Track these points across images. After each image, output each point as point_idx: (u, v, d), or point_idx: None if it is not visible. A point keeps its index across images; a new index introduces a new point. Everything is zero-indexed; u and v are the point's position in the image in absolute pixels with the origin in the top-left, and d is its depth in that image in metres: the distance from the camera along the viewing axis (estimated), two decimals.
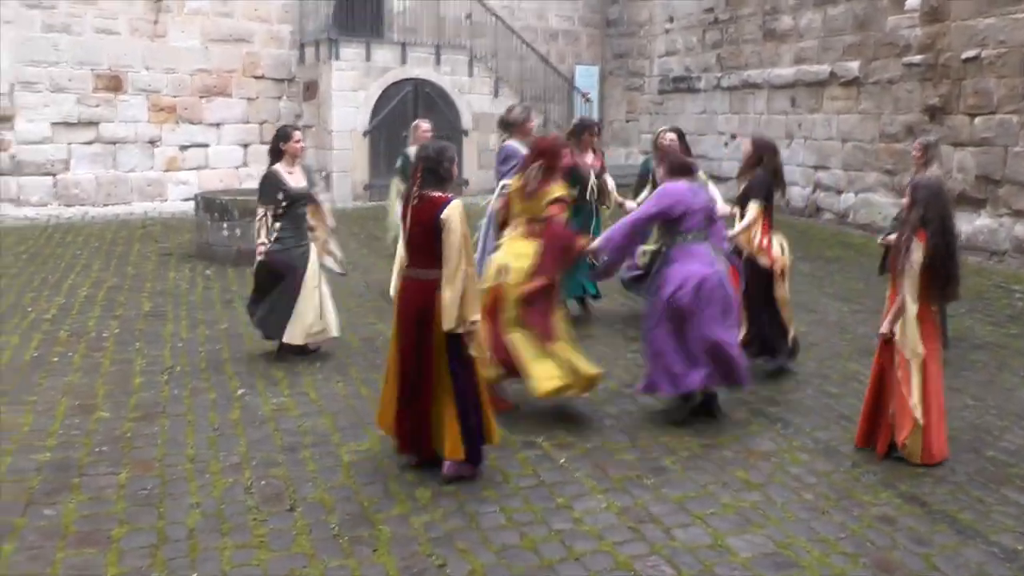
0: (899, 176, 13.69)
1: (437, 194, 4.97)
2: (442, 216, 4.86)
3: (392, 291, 5.52)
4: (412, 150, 9.17)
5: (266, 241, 7.06)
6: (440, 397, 5.09)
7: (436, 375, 5.05)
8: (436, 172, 5.00)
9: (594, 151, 8.99)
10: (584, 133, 8.87)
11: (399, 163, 9.58)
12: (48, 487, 5.05)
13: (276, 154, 7.22)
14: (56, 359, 7.36)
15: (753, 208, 7.09)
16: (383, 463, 5.46)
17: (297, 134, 7.29)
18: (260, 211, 7.13)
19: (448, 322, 4.89)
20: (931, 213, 5.33)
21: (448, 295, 4.87)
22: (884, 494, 5.21)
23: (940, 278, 5.40)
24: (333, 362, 7.44)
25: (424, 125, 9.48)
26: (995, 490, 5.29)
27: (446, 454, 5.15)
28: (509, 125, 8.06)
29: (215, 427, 5.98)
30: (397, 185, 9.41)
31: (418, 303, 5.02)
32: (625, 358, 7.76)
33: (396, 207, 9.09)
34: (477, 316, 4.96)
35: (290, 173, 7.16)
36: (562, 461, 5.56)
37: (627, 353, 7.89)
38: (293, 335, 7.24)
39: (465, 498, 5.04)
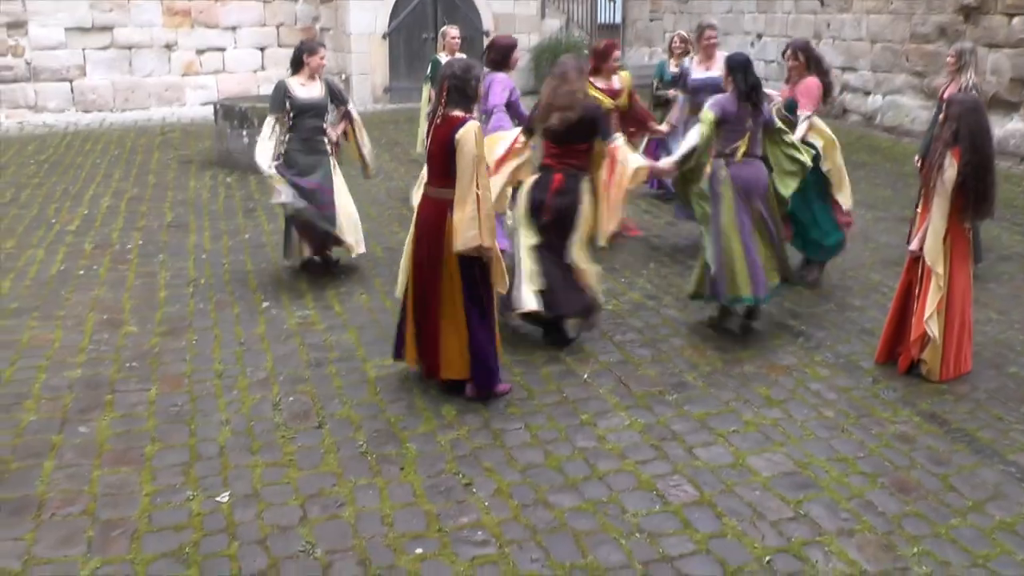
0: (928, 78, 13.39)
1: (459, 113, 4.91)
2: (456, 136, 4.80)
3: (414, 202, 5.48)
4: (442, 56, 9.01)
5: (271, 163, 6.84)
6: (450, 318, 5.09)
7: (445, 295, 5.05)
8: (463, 91, 4.93)
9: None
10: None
11: (429, 70, 9.37)
12: (81, 404, 5.16)
13: (297, 65, 7.12)
14: (82, 272, 7.43)
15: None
16: (408, 379, 5.53)
17: (322, 50, 7.17)
18: (267, 119, 6.98)
19: (458, 243, 4.86)
20: (965, 130, 5.24)
21: (458, 216, 4.83)
22: (903, 412, 5.25)
23: (973, 196, 5.34)
24: (357, 274, 7.47)
25: (452, 32, 9.23)
26: (1015, 408, 5.32)
27: (452, 373, 5.19)
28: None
29: (241, 341, 6.06)
30: (428, 92, 9.22)
31: (432, 222, 5.00)
32: (648, 268, 7.75)
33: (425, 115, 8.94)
34: (489, 242, 4.90)
35: (303, 85, 7.06)
36: (585, 376, 5.63)
37: (650, 263, 7.88)
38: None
39: (490, 415, 5.12)
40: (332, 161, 7.19)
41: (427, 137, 5.11)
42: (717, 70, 7.64)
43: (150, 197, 9.95)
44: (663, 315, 6.66)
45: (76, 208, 9.43)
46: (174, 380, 5.48)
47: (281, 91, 6.97)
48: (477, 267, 5.01)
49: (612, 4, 19.89)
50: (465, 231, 4.82)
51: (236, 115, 11.32)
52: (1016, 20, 11.99)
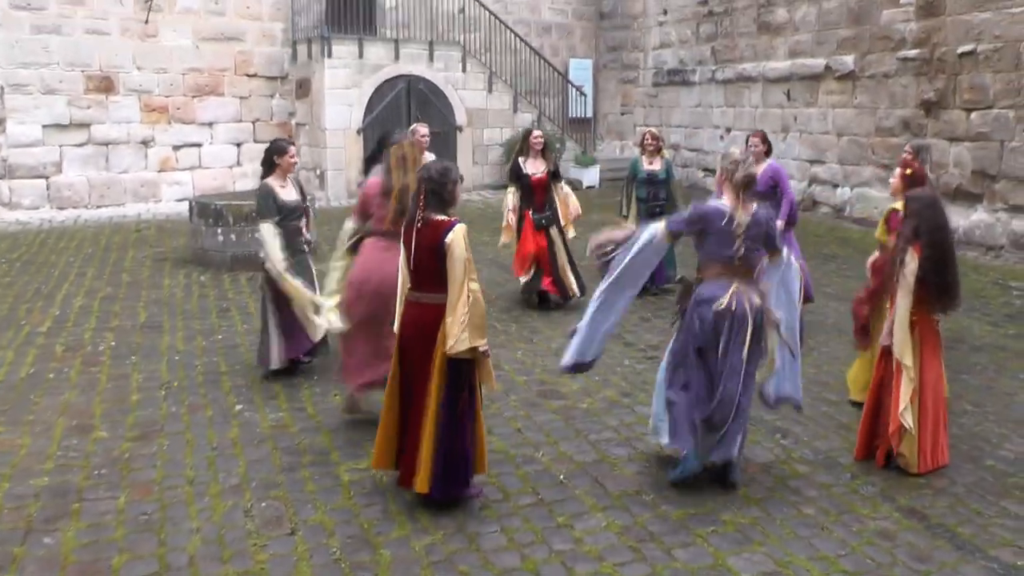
0: (895, 171, 13.70)
1: (441, 217, 4.91)
2: (446, 241, 4.80)
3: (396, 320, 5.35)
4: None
5: (285, 259, 6.90)
6: (426, 426, 4.98)
7: (429, 401, 4.96)
8: (440, 195, 4.93)
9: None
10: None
11: None
12: (47, 513, 5.05)
13: (269, 166, 7.19)
14: (52, 376, 7.36)
15: None
16: (382, 482, 5.46)
17: (292, 149, 7.26)
18: (267, 226, 6.96)
19: (452, 347, 4.80)
20: (925, 226, 5.40)
21: (450, 320, 4.81)
22: (884, 508, 5.23)
23: (936, 290, 5.47)
24: (330, 374, 7.42)
25: (422, 130, 9.28)
26: (994, 502, 5.32)
27: (416, 487, 5.03)
28: None
29: (214, 446, 5.98)
30: None
31: (420, 326, 4.96)
32: (622, 365, 7.77)
33: None
34: (481, 342, 4.87)
35: (282, 187, 7.14)
36: (561, 477, 5.58)
37: (624, 360, 7.90)
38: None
39: (465, 518, 5.05)
40: (310, 260, 7.26)
41: (404, 243, 5.03)
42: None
43: (123, 296, 9.92)
44: (638, 413, 6.65)
45: (48, 308, 9.38)
46: (144, 487, 5.39)
47: (270, 196, 7.02)
48: (465, 369, 4.93)
49: (583, 98, 20.32)
50: (459, 334, 4.77)
51: (211, 212, 11.38)
52: (974, 115, 12.36)
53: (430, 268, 4.88)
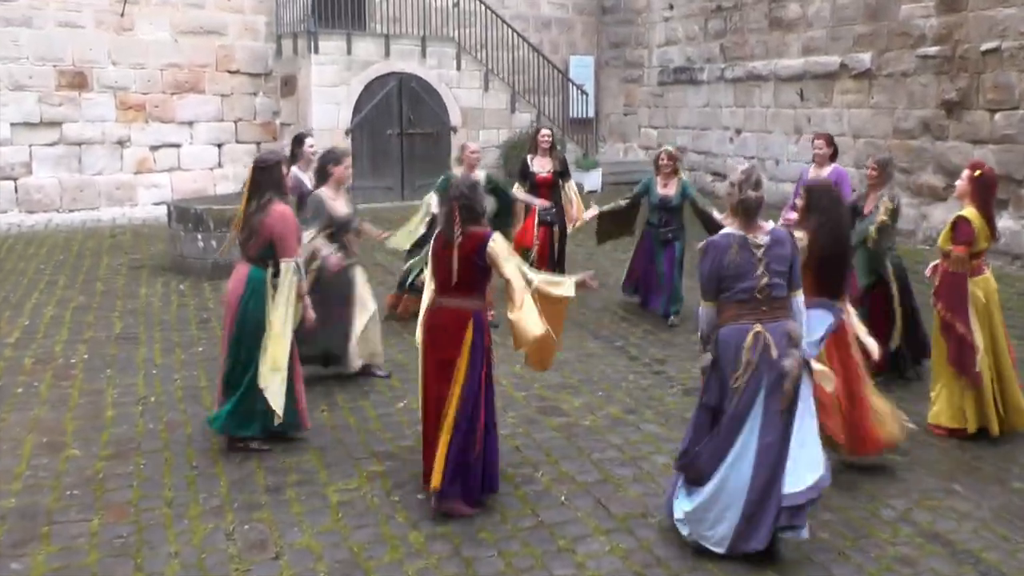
0: (915, 175, 13.74)
1: (478, 229, 5.33)
2: (488, 250, 5.27)
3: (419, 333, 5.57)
4: (458, 172, 8.80)
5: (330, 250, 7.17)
6: (446, 424, 5.29)
7: (450, 402, 5.29)
8: (472, 209, 5.36)
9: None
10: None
11: (440, 182, 9.20)
12: (14, 537, 5.04)
13: (322, 176, 7.37)
14: (21, 390, 7.34)
15: None
16: (373, 503, 5.47)
17: (348, 160, 7.47)
18: (311, 234, 7.04)
19: (526, 338, 5.25)
20: (817, 214, 5.69)
21: (516, 315, 5.26)
22: (904, 532, 5.24)
23: (827, 276, 5.69)
24: (318, 388, 7.42)
25: (472, 146, 9.17)
26: (1021, 527, 5.32)
27: (432, 482, 5.29)
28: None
29: (193, 465, 5.98)
30: (429, 202, 9.00)
31: (450, 329, 5.33)
32: (627, 380, 7.78)
33: (420, 228, 8.96)
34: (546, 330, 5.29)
35: (334, 199, 7.31)
36: (562, 498, 5.58)
37: (629, 375, 7.91)
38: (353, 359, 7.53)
39: (461, 541, 5.05)
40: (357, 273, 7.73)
41: (434, 254, 5.46)
42: None
43: (97, 306, 9.91)
44: (644, 431, 6.66)
45: (16, 319, 9.37)
46: (119, 509, 5.38)
47: (322, 205, 7.20)
48: (485, 370, 5.35)
49: (584, 97, 20.36)
50: (533, 328, 5.21)
51: (191, 217, 11.38)
52: (999, 116, 12.40)
53: (465, 277, 5.33)
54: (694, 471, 4.91)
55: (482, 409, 5.32)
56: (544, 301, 5.38)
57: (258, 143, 17.03)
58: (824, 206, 5.72)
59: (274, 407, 5.91)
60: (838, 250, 5.74)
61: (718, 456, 4.82)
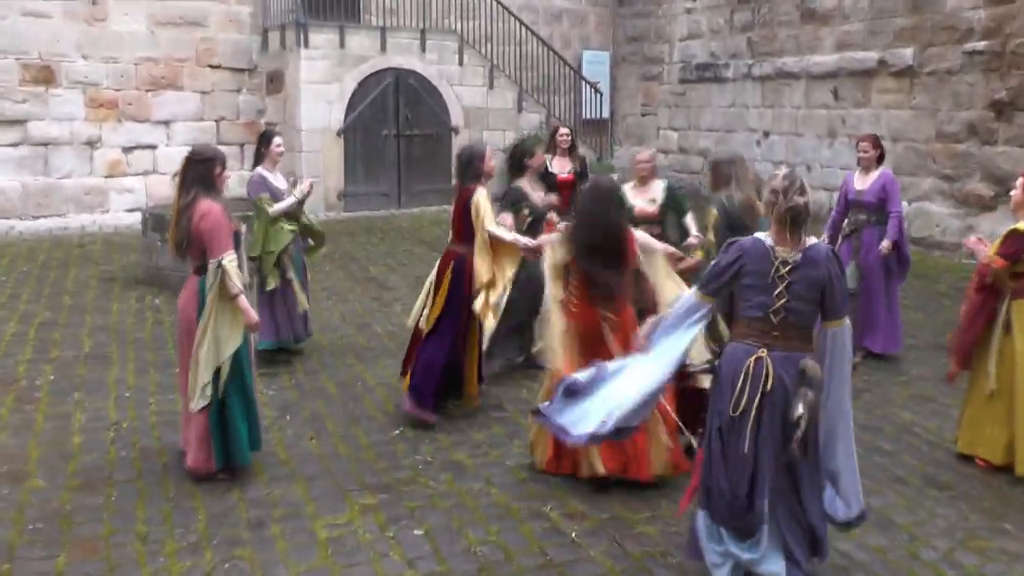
0: (960, 182, 13.76)
1: (471, 186, 7.11)
2: (471, 201, 7.03)
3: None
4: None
5: None
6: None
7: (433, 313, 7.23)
8: (467, 169, 7.20)
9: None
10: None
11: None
12: None
13: (519, 169, 8.63)
14: None
15: None
16: (366, 539, 5.49)
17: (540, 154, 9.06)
18: (506, 220, 8.10)
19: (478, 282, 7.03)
20: (579, 211, 6.39)
21: (477, 260, 7.02)
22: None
23: (587, 278, 6.22)
24: (305, 413, 7.46)
25: (643, 155, 8.43)
26: None
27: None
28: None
29: (170, 497, 6.00)
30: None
31: (442, 265, 7.29)
32: None
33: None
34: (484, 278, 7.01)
35: (534, 191, 8.67)
36: (573, 535, 5.60)
37: None
38: None
39: None
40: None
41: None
42: None
43: (65, 323, 9.97)
44: None
45: None
46: (88, 545, 5.40)
47: (527, 198, 8.53)
48: (465, 293, 7.14)
49: (598, 97, 20.43)
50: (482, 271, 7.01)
51: (167, 226, 11.36)
52: None
53: (458, 224, 7.23)
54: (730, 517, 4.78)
55: (454, 327, 7.14)
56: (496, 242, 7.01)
57: (242, 144, 17.12)
58: (585, 201, 6.39)
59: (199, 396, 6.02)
60: (594, 248, 6.18)
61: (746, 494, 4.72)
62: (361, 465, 6.55)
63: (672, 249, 6.72)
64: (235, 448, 6.20)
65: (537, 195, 8.55)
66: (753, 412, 4.61)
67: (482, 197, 7.03)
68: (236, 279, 5.97)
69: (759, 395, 4.61)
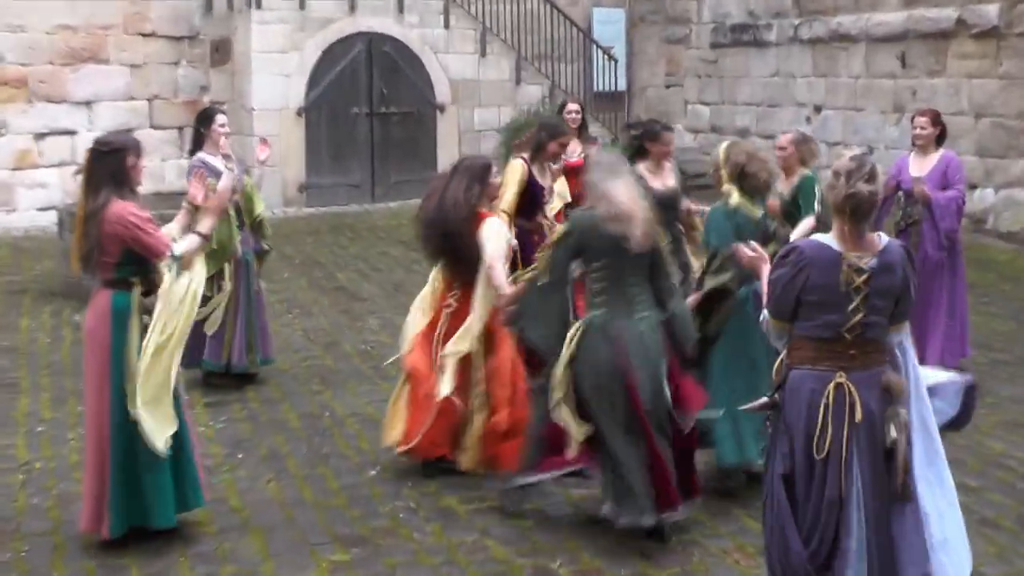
0: None
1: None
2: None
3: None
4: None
5: None
6: None
7: None
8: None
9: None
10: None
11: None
12: None
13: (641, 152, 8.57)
14: None
15: None
16: None
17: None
18: None
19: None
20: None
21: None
22: None
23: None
24: (262, 450, 7.44)
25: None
26: None
27: None
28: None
29: (93, 553, 5.95)
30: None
31: None
32: None
33: None
34: None
35: (654, 175, 8.50)
36: None
37: None
38: None
39: None
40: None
41: None
42: None
43: None
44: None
45: None
46: None
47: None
48: None
49: (612, 65, 20.39)
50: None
51: None
52: None
53: None
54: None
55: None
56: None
57: (180, 128, 17.06)
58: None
59: (156, 442, 5.79)
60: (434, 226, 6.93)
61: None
62: (330, 513, 6.52)
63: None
64: (149, 508, 5.95)
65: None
66: (839, 451, 4.52)
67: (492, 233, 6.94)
68: (196, 246, 6.01)
69: (846, 429, 4.51)
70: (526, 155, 8.55)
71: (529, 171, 8.46)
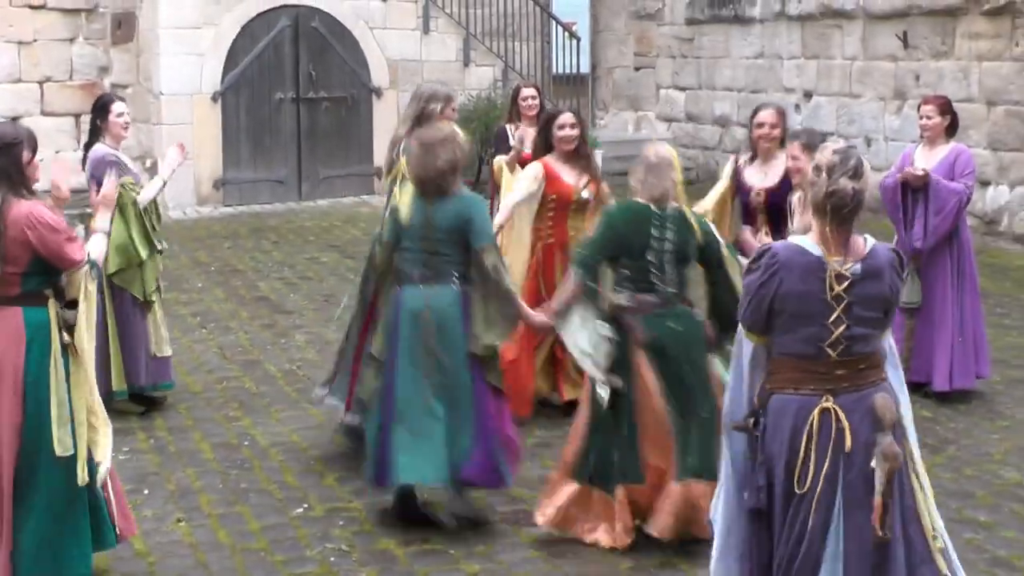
0: None
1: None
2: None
3: None
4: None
5: None
6: None
7: None
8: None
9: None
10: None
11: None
12: None
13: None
14: None
15: None
16: None
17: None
18: None
19: None
20: None
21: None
22: None
23: None
24: (170, 485, 7.40)
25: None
26: None
27: None
28: None
29: None
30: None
31: None
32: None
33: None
34: None
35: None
36: None
37: None
38: None
39: None
40: None
41: None
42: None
43: None
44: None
45: None
46: None
47: None
48: None
49: (574, 44, 20.43)
50: None
51: None
52: None
53: None
54: None
55: None
56: None
57: (77, 116, 16.96)
58: None
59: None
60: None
61: None
62: (249, 558, 6.50)
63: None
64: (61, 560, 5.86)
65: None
66: (821, 486, 4.50)
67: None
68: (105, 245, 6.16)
69: (830, 461, 4.50)
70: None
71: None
